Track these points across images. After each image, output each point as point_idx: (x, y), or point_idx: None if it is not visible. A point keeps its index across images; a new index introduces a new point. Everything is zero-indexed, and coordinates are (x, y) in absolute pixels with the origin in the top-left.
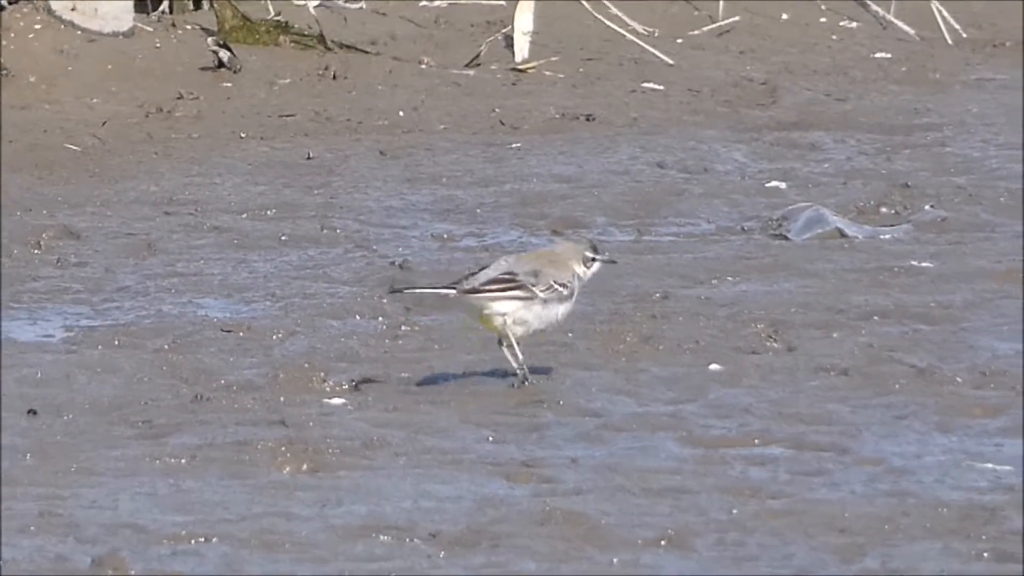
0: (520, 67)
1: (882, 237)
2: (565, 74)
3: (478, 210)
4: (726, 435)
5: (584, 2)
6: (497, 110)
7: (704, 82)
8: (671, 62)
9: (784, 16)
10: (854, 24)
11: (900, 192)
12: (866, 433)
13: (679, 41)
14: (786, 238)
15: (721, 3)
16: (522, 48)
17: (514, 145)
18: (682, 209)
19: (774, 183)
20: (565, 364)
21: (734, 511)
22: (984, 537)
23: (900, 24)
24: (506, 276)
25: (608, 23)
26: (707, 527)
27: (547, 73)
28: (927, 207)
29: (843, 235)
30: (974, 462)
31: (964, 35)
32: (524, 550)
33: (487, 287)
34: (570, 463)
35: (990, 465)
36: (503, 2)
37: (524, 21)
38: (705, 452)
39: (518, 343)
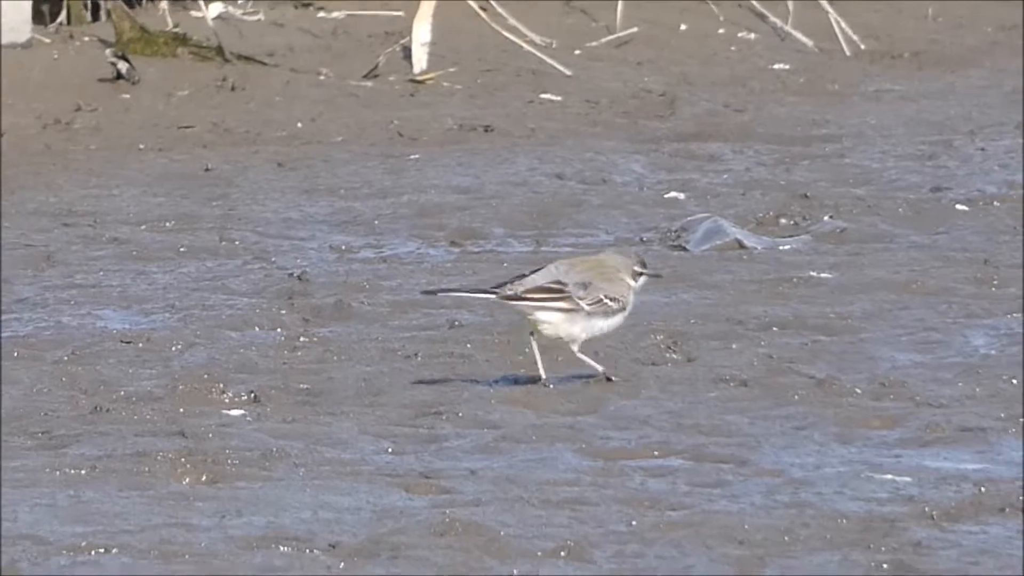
0: (418, 78)
1: (781, 248)
2: (463, 85)
3: (376, 221)
4: (625, 447)
5: (482, 13)
6: (395, 121)
7: (602, 93)
8: (569, 73)
9: (683, 27)
10: (752, 35)
11: (799, 203)
12: (765, 444)
13: (577, 52)
14: (685, 249)
15: (619, 14)
16: (420, 59)
17: (412, 156)
18: (580, 220)
19: (673, 194)
20: (464, 376)
21: (633, 523)
22: (883, 548)
23: (798, 35)
24: (554, 285)
25: (506, 34)
26: (606, 538)
27: (445, 84)
28: (826, 218)
29: (742, 246)
30: (873, 473)
31: (862, 46)
32: (423, 561)
33: (531, 294)
34: (469, 474)
35: (889, 476)
36: (401, 13)
37: (422, 32)
38: (604, 464)
39: (581, 351)
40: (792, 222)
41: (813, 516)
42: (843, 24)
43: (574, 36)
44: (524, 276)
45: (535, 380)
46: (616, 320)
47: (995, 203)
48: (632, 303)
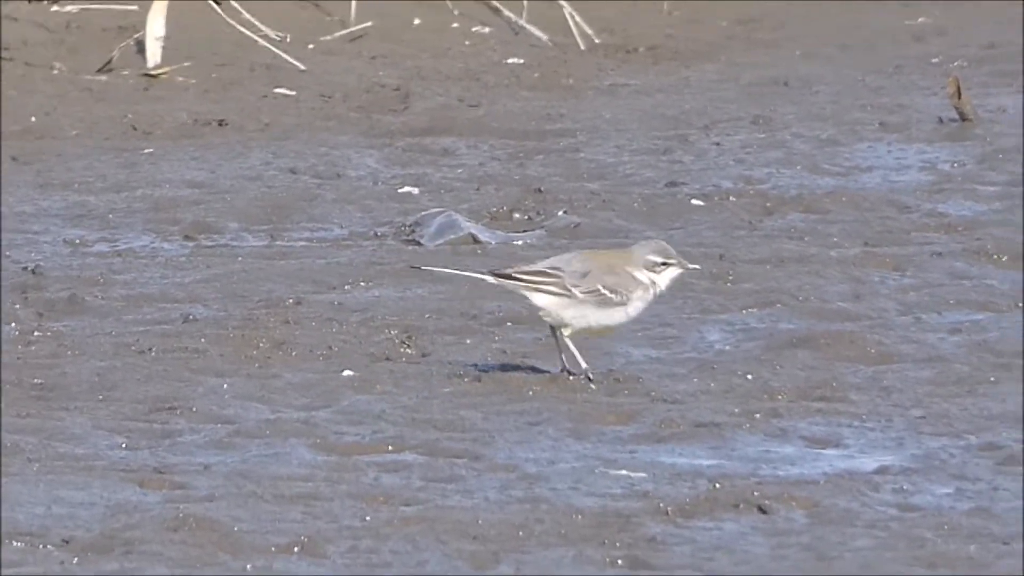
0: (152, 72)
1: (515, 243)
2: (198, 79)
3: (110, 215)
4: (359, 442)
5: (216, 7)
6: (129, 115)
7: (336, 87)
8: (303, 67)
9: (416, 21)
10: (487, 29)
11: (533, 197)
12: (499, 440)
13: (311, 46)
14: (419, 244)
15: (353, 8)
16: (154, 53)
17: (146, 151)
18: (315, 215)
19: (407, 189)
20: (197, 370)
21: (367, 518)
22: (618, 544)
23: (533, 30)
24: (550, 269)
25: (240, 28)
26: (340, 534)
27: (180, 79)
28: (560, 212)
29: (476, 241)
30: (608, 468)
31: (597, 40)
32: (157, 556)
33: (522, 275)
34: (203, 469)
35: (624, 472)
36: (135, 7)
37: (156, 26)
38: (338, 459)
39: (571, 341)
40: (526, 217)
41: (547, 511)
42: (578, 18)
43: (308, 30)
44: (535, 261)
45: (572, 374)
46: (617, 314)
47: (730, 198)
48: (644, 298)
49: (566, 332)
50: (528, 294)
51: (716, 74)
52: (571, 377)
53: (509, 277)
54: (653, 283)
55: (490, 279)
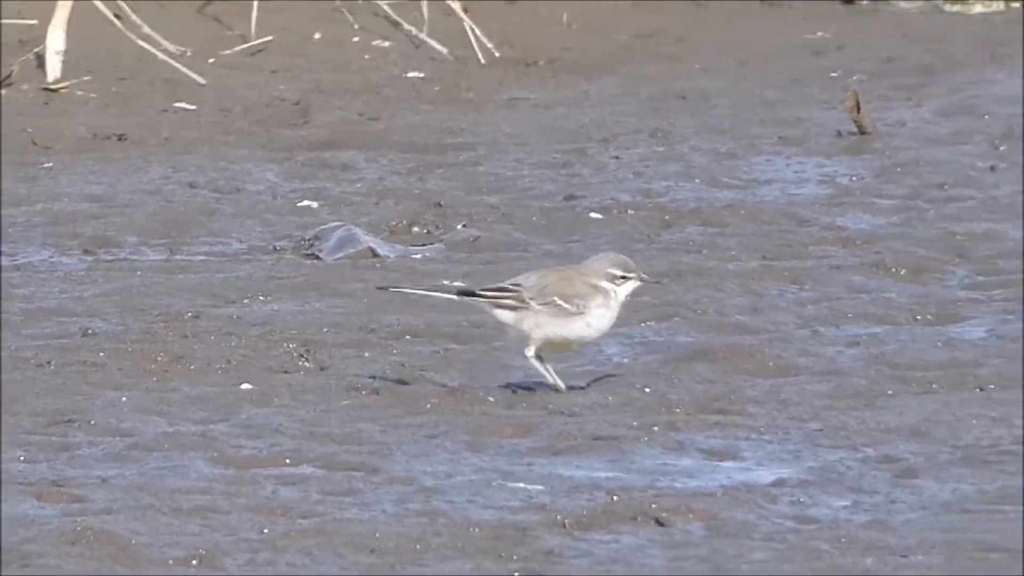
0: (52, 87)
1: (414, 256)
2: (98, 93)
3: (10, 229)
4: (257, 455)
5: (117, 22)
6: (29, 129)
7: (236, 101)
8: (203, 81)
9: (317, 35)
10: (387, 43)
11: (432, 211)
12: (397, 452)
13: (211, 60)
14: (318, 258)
15: (254, 22)
16: (54, 67)
17: (46, 165)
18: (214, 229)
19: (306, 202)
20: (96, 384)
21: (265, 530)
22: (515, 557)
23: (433, 43)
24: (511, 285)
25: (140, 43)
26: (238, 546)
27: (79, 93)
28: (459, 226)
29: (375, 254)
30: (505, 481)
31: (497, 54)
32: (54, 570)
33: (485, 292)
34: (101, 483)
35: (521, 484)
36: (35, 21)
37: (56, 40)
38: (236, 472)
39: (537, 355)
40: (425, 230)
41: (445, 524)
42: (478, 32)
43: (209, 44)
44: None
45: (558, 391)
46: (576, 325)
47: (629, 211)
48: (605, 306)
49: (530, 350)
50: (491, 311)
51: (616, 87)
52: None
53: (473, 295)
54: (614, 292)
55: (455, 298)
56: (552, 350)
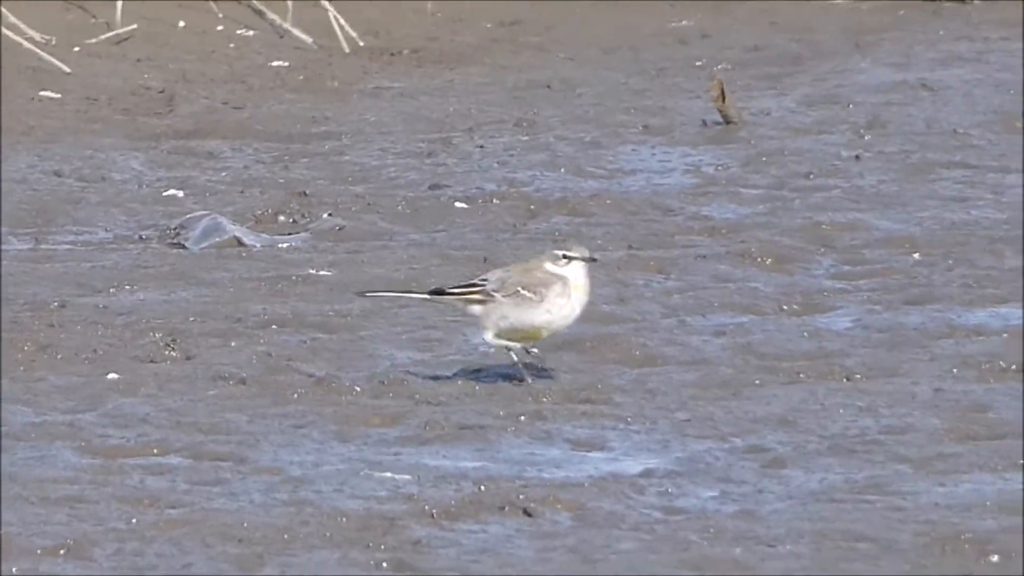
0: None
1: (280, 246)
2: None
3: None
4: (124, 444)
5: None
6: None
7: (102, 90)
8: (68, 70)
9: (182, 24)
10: (251, 32)
11: (298, 200)
12: (264, 442)
13: (77, 49)
14: (184, 247)
15: (119, 10)
16: None
17: None
18: (79, 218)
19: (172, 192)
20: None
21: (133, 520)
22: (383, 546)
23: (297, 32)
24: (478, 281)
25: (5, 31)
26: (106, 536)
27: None
28: (325, 215)
29: (241, 244)
30: (373, 471)
31: (361, 43)
32: None
33: (453, 290)
34: None
35: (389, 474)
36: None
37: None
38: (104, 462)
39: (508, 345)
40: (291, 220)
41: (312, 514)
42: (342, 21)
43: (74, 33)
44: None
45: (521, 381)
46: (538, 314)
47: (494, 200)
48: (564, 295)
49: (493, 337)
50: (462, 307)
51: (480, 77)
52: (520, 383)
53: (443, 293)
54: (570, 278)
55: (427, 297)
56: (523, 340)
